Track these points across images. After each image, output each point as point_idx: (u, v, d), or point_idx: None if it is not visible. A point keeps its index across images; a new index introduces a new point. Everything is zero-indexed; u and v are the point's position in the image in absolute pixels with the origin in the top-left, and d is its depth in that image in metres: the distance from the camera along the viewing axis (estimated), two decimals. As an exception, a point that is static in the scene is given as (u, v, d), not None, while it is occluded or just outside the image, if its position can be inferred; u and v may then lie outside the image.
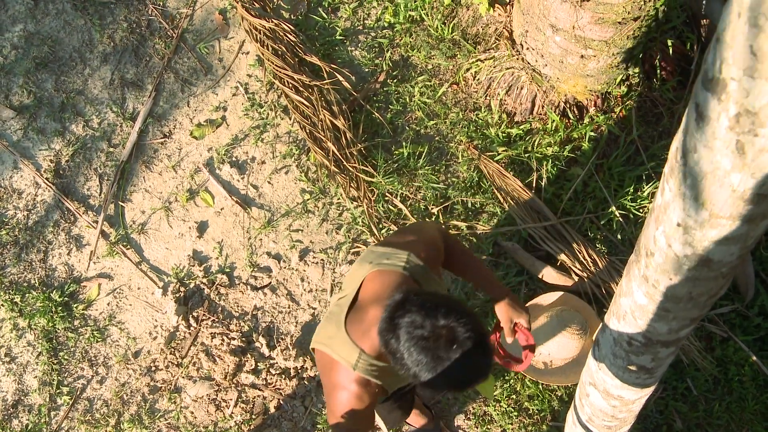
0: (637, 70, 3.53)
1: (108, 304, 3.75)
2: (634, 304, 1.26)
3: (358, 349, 1.97)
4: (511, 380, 3.48)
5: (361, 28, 3.98)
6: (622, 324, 1.36)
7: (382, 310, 1.86)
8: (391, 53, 3.91)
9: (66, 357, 3.68)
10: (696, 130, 0.84)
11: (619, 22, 3.09)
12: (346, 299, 2.08)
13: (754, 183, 0.84)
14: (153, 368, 3.67)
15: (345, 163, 3.68)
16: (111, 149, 3.89)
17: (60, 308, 3.70)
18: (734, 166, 0.83)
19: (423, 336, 1.71)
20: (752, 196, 0.86)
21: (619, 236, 3.53)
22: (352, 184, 3.68)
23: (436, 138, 3.77)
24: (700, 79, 0.81)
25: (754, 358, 3.35)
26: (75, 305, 3.73)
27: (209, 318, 3.69)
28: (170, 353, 3.67)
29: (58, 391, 3.65)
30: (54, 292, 3.72)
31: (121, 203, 3.83)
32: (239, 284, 3.73)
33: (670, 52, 3.60)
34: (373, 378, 1.99)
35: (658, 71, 3.62)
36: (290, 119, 3.85)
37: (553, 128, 3.63)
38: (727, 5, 0.72)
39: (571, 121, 3.63)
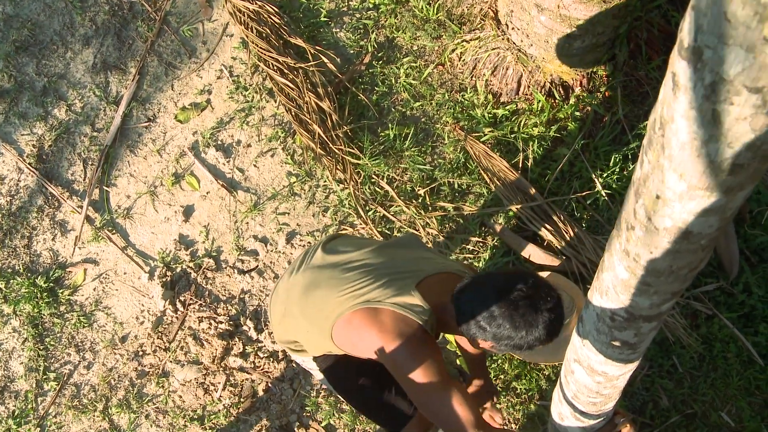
0: (622, 49, 3.52)
1: (94, 290, 3.73)
2: (615, 279, 1.26)
3: (429, 308, 2.11)
4: (499, 360, 3.49)
5: (345, 9, 3.95)
6: (604, 299, 1.36)
7: (451, 291, 2.13)
8: (376, 34, 3.89)
9: (52, 343, 3.67)
10: (673, 101, 0.84)
11: (604, 1, 3.08)
12: (414, 276, 2.22)
13: (731, 153, 0.84)
14: (140, 353, 3.66)
15: (331, 145, 3.66)
16: (95, 134, 3.86)
17: (45, 294, 3.69)
18: (711, 137, 0.82)
19: (527, 299, 1.99)
20: (729, 166, 0.86)
21: (605, 215, 3.54)
22: (338, 167, 3.67)
23: (422, 119, 3.76)
24: (676, 48, 0.80)
25: (739, 334, 3.37)
26: (60, 291, 3.71)
27: (196, 302, 3.68)
28: (157, 338, 3.66)
29: (44, 376, 3.64)
30: (39, 278, 3.70)
31: (105, 188, 3.81)
32: (226, 268, 3.72)
33: (656, 31, 3.60)
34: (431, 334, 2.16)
35: (644, 50, 3.62)
36: (275, 102, 3.83)
37: (539, 108, 3.62)
38: (701, -30, 0.71)
39: (557, 101, 3.63)
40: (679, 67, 0.79)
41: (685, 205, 0.96)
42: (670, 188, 0.95)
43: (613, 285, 1.28)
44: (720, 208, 0.95)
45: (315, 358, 2.50)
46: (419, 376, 2.04)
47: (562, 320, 2.04)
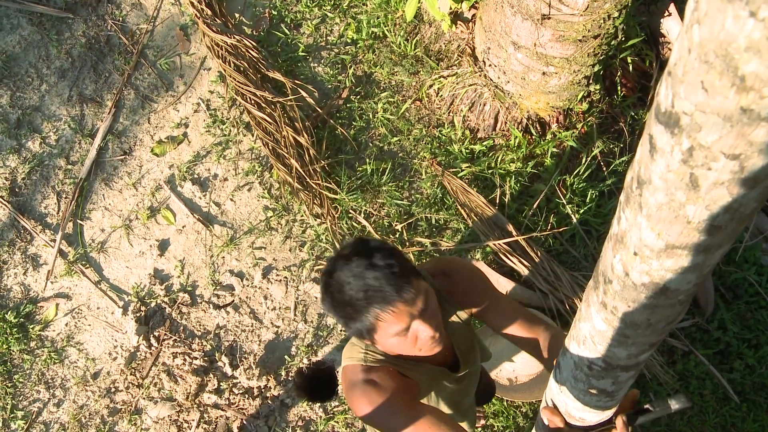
0: (598, 86, 3.56)
1: (66, 325, 3.67)
2: (593, 330, 1.25)
3: (364, 344, 1.89)
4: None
5: (323, 44, 3.96)
6: (582, 349, 1.35)
7: None
8: (354, 69, 3.90)
9: (21, 380, 3.59)
10: (650, 162, 0.84)
11: (580, 40, 3.12)
12: None
13: (708, 215, 0.83)
14: (113, 389, 3.59)
15: (308, 179, 3.65)
16: (69, 166, 3.82)
17: (15, 330, 3.61)
18: (689, 199, 0.82)
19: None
20: (707, 227, 0.86)
21: (582, 251, 3.55)
22: (315, 201, 3.66)
23: (400, 154, 3.76)
24: (653, 111, 0.80)
25: (714, 371, 3.38)
26: (31, 326, 3.64)
27: (171, 337, 3.62)
28: (130, 374, 3.60)
29: (12, 415, 3.55)
30: (9, 313, 3.63)
31: (79, 221, 3.76)
32: (201, 303, 3.67)
33: (630, 69, 3.64)
34: (383, 364, 1.89)
35: (619, 88, 3.66)
36: (253, 136, 3.82)
37: (516, 144, 3.64)
38: (677, 40, 0.71)
39: (533, 137, 3.65)
40: (656, 130, 0.79)
41: (662, 263, 0.95)
42: (647, 246, 0.94)
43: (591, 335, 1.27)
44: (698, 266, 0.95)
45: None
46: (381, 418, 1.89)
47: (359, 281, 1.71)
